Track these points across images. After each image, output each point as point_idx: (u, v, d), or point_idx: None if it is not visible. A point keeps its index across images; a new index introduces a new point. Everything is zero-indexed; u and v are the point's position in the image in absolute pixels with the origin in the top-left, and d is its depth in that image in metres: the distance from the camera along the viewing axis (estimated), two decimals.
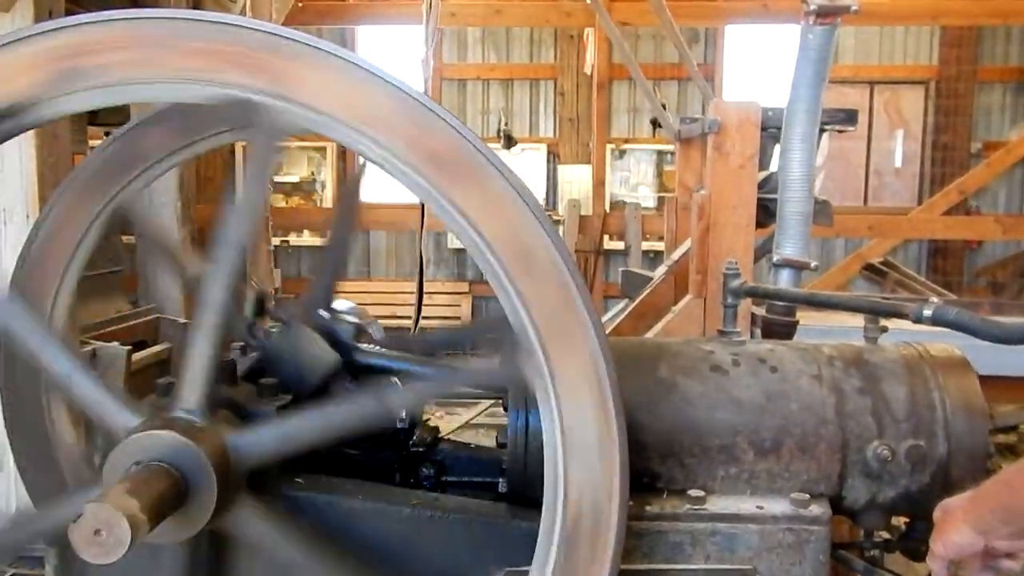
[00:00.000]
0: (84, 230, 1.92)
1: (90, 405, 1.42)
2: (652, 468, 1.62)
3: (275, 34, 1.30)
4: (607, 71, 9.52)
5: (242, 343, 1.77)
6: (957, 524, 1.11)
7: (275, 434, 1.41)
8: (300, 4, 6.52)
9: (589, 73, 9.62)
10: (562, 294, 1.31)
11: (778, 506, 1.57)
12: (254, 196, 1.45)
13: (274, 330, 1.77)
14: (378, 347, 1.84)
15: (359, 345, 1.78)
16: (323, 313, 1.80)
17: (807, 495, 1.59)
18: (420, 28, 3.78)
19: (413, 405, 1.65)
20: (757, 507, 1.57)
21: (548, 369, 1.32)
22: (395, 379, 1.73)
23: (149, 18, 1.32)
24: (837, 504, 1.65)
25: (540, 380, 1.33)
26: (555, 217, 8.69)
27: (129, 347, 2.93)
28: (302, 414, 1.47)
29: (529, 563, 1.41)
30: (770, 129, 3.02)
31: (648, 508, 1.58)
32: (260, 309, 1.79)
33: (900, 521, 1.78)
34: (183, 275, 1.93)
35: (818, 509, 1.57)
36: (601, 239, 8.56)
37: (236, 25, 1.30)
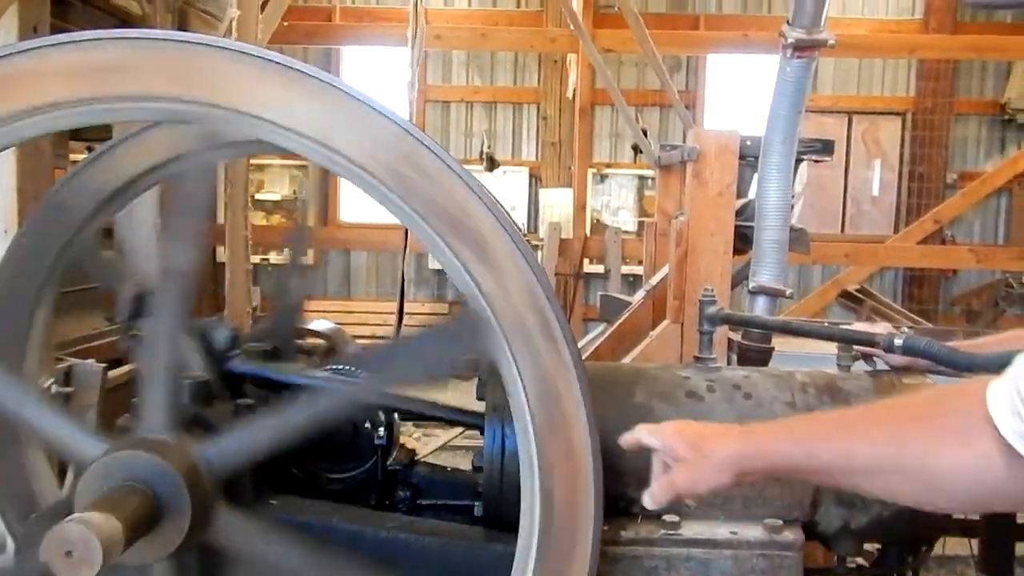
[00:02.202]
0: (52, 261, 1.90)
1: (55, 441, 1.42)
2: (628, 493, 1.63)
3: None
4: (589, 96, 9.61)
5: None
6: (720, 469, 1.08)
7: (240, 438, 1.39)
8: (286, 24, 6.54)
9: (572, 98, 9.71)
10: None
11: (752, 532, 1.59)
12: (194, 221, 1.43)
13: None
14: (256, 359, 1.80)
15: (232, 354, 1.75)
16: (203, 321, 1.77)
17: (780, 521, 1.60)
18: (405, 50, 3.82)
19: (372, 395, 1.62)
20: (731, 532, 1.58)
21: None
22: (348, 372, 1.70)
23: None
24: (811, 530, 1.66)
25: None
26: (535, 241, 8.73)
27: (105, 364, 2.91)
28: (261, 416, 1.46)
29: None
30: (748, 158, 3.06)
31: (623, 533, 1.58)
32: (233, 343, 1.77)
33: (873, 547, 1.80)
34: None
35: (791, 535, 1.58)
36: (581, 262, 8.60)
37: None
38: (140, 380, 1.42)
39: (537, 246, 8.15)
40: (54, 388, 2.71)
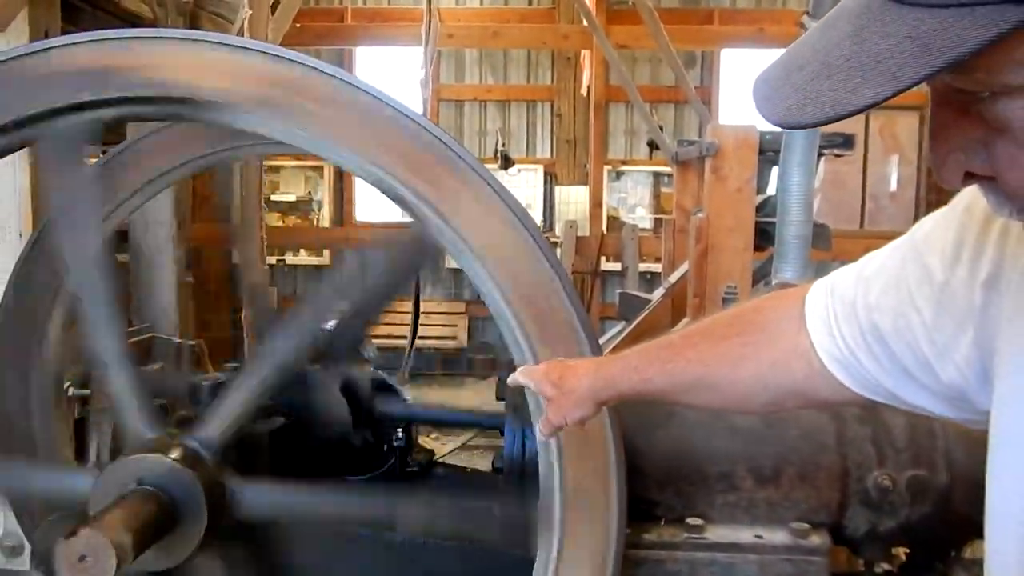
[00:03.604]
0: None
1: (116, 402, 1.39)
2: (650, 495, 1.60)
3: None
4: (604, 93, 9.55)
5: None
6: (580, 403, 1.13)
7: (221, 409, 1.35)
8: (299, 25, 6.54)
9: (586, 95, 9.66)
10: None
11: (777, 536, 1.55)
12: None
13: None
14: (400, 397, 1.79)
15: (379, 396, 1.74)
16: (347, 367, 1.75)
17: (807, 524, 1.56)
18: (417, 49, 3.77)
19: (326, 321, 1.59)
20: (756, 536, 1.55)
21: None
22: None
23: None
24: (837, 534, 1.62)
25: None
26: (552, 239, 8.69)
27: None
28: (233, 380, 1.42)
29: None
30: (768, 153, 3.02)
31: (645, 536, 1.55)
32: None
33: (900, 552, 1.76)
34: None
35: (817, 539, 1.54)
36: (598, 260, 8.55)
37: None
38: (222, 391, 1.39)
39: (555, 244, 8.10)
40: (72, 391, 2.70)
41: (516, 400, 1.54)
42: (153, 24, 3.41)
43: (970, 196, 0.83)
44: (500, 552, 1.57)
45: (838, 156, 3.42)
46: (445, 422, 1.92)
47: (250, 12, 2.85)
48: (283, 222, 10.38)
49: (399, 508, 1.44)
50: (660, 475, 1.59)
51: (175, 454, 1.29)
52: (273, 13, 4.14)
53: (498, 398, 1.68)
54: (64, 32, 2.66)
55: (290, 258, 10.09)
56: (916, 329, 0.86)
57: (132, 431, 1.34)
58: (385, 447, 1.75)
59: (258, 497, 1.35)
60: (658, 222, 8.85)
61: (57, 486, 1.40)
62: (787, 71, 0.62)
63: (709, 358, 1.05)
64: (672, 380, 1.07)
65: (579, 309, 1.33)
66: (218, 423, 1.35)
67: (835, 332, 0.94)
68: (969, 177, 0.66)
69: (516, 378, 1.22)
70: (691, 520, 1.56)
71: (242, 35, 3.42)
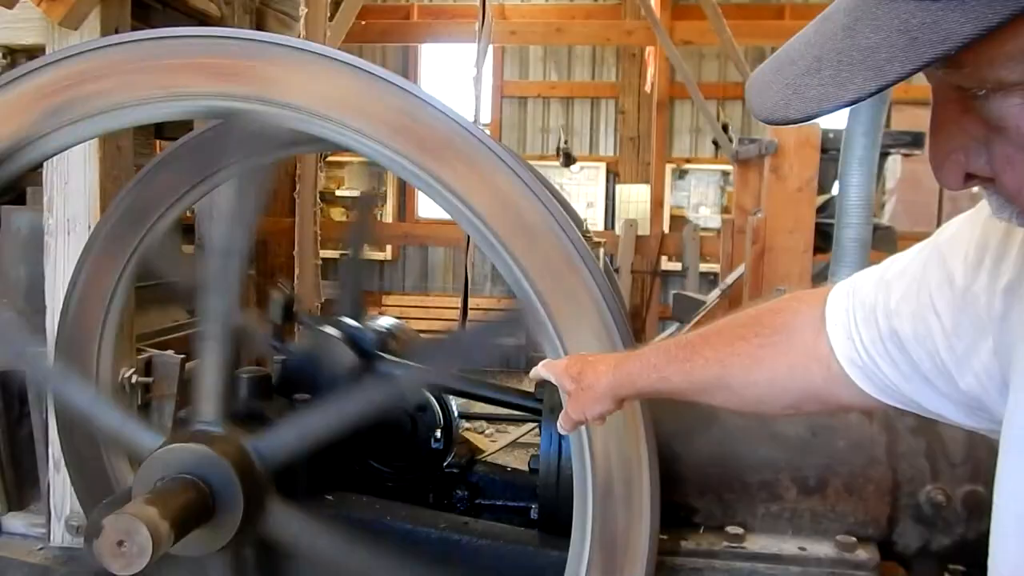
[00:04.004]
0: (114, 282, 1.96)
1: (116, 435, 1.44)
2: (689, 502, 1.57)
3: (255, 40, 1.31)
4: (667, 90, 9.42)
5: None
6: (600, 398, 1.13)
7: (292, 430, 1.38)
8: (363, 23, 6.63)
9: (650, 92, 9.55)
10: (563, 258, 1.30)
11: (822, 548, 1.50)
12: (247, 207, 1.43)
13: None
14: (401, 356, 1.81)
15: (380, 353, 1.76)
16: (349, 321, 1.79)
17: (854, 538, 1.51)
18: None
19: (421, 385, 1.60)
20: (799, 548, 1.50)
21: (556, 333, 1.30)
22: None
23: (132, 41, 1.34)
24: (887, 549, 1.56)
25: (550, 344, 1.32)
26: (606, 237, 8.63)
27: (183, 356, 2.99)
28: (315, 407, 1.45)
29: None
30: (831, 151, 2.93)
31: (683, 543, 1.52)
32: (288, 313, 1.80)
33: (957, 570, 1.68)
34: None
35: (865, 554, 1.49)
36: (658, 260, 8.44)
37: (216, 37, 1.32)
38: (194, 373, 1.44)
39: (598, 243, 8.03)
40: (134, 378, 2.80)
41: (552, 400, 1.53)
42: (220, 22, 3.48)
43: None
44: (536, 552, 1.56)
45: (906, 155, 3.30)
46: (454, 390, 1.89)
47: (306, 10, 2.89)
48: (347, 217, 10.55)
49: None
50: (700, 481, 1.56)
51: (231, 453, 1.32)
52: (336, 11, 4.19)
53: (536, 398, 1.67)
54: (135, 29, 2.74)
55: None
56: (935, 335, 0.84)
57: (199, 415, 1.38)
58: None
59: (289, 523, 1.37)
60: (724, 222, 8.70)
61: (127, 432, 1.43)
62: (780, 66, 0.61)
63: (726, 358, 1.03)
64: (689, 379, 1.07)
65: (602, 281, 1.31)
66: (284, 443, 1.37)
67: (854, 336, 0.92)
68: (969, 179, 0.64)
69: (538, 371, 1.23)
70: (731, 529, 1.52)
71: (300, 35, 3.46)
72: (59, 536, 2.33)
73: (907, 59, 0.52)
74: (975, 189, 0.67)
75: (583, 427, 1.33)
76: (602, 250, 1.90)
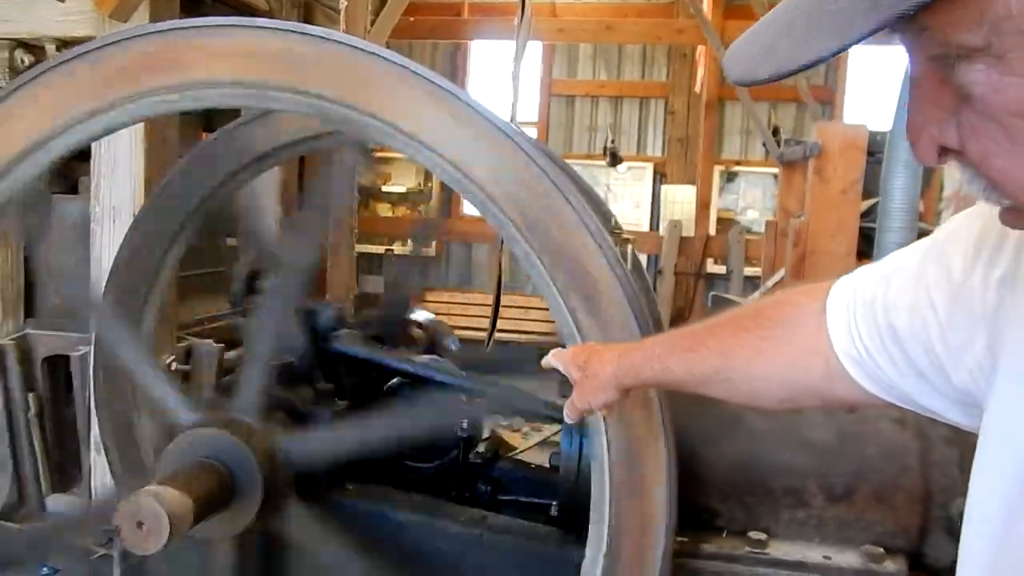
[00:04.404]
0: (176, 231, 2.01)
1: (154, 397, 1.47)
2: (711, 505, 1.54)
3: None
4: (716, 90, 9.29)
5: None
6: (604, 387, 1.14)
7: (324, 440, 1.42)
8: (411, 19, 6.67)
9: (700, 92, 9.43)
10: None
11: (848, 558, 1.46)
12: (318, 217, 1.47)
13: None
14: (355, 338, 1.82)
15: (335, 333, 1.77)
16: (310, 301, 1.81)
17: (882, 549, 1.47)
18: (534, 44, 3.77)
19: (469, 417, 1.63)
20: (824, 557, 1.47)
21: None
22: (450, 395, 1.71)
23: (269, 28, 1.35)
24: (916, 562, 1.51)
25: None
26: (654, 238, 8.54)
27: (222, 345, 3.05)
28: (348, 422, 1.48)
29: None
30: (878, 154, 2.86)
31: (704, 547, 1.50)
32: (251, 286, 1.82)
33: None
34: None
35: (893, 566, 1.45)
36: (703, 262, 8.35)
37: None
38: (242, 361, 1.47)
39: (627, 240, 7.95)
40: (173, 365, 2.86)
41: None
42: (268, 16, 3.54)
43: None
44: (555, 550, 1.55)
45: None
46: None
47: (346, 3, 2.92)
48: (393, 212, 10.64)
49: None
50: (723, 485, 1.53)
51: (260, 448, 1.35)
52: (383, 6, 4.21)
53: (561, 395, 1.65)
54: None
55: (398, 248, 10.33)
56: (931, 328, 0.83)
57: (236, 403, 1.42)
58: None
59: (304, 447, 1.40)
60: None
61: (166, 400, 1.48)
62: (757, 31, 0.63)
63: (728, 349, 1.03)
64: (690, 370, 1.07)
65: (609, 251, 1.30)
66: (317, 450, 1.43)
67: (853, 331, 0.91)
68: (944, 153, 0.65)
69: (548, 360, 1.24)
70: (754, 534, 1.49)
71: (340, 29, 3.50)
72: None
73: (869, 19, 0.52)
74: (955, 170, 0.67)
75: (602, 424, 1.32)
76: (631, 247, 1.88)
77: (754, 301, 1.05)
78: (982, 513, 0.77)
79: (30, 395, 2.43)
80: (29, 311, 2.62)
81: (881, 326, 0.88)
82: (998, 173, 0.62)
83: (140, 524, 1.16)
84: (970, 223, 0.83)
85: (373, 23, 3.87)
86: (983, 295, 0.79)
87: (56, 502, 2.58)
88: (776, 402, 1.06)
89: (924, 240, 0.90)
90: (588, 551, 1.35)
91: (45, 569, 2.39)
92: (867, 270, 0.95)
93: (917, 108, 0.64)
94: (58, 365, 2.55)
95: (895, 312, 0.87)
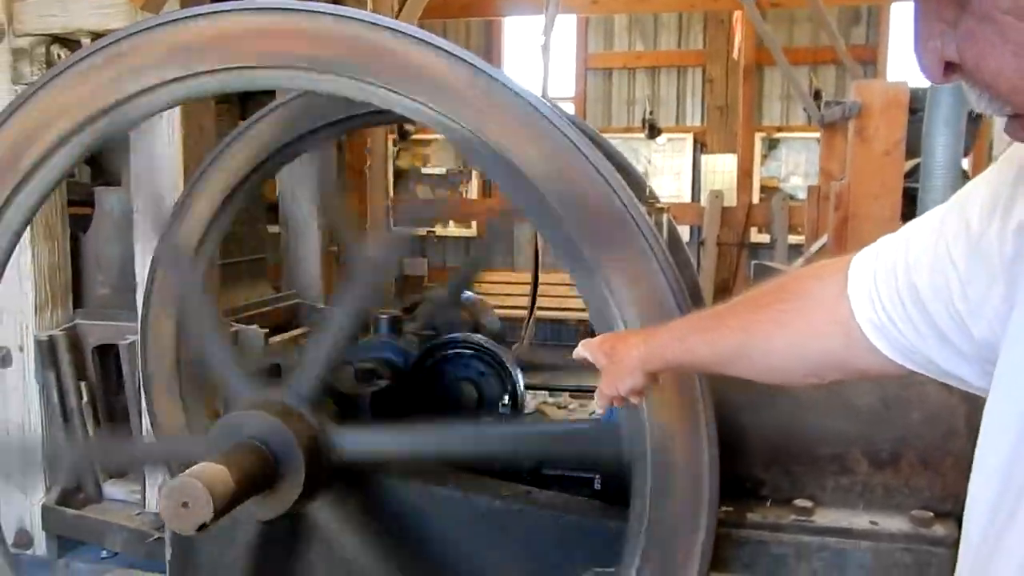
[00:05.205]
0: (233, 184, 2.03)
1: (214, 368, 1.50)
2: (755, 474, 1.52)
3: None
4: (754, 56, 9.10)
5: None
6: (631, 372, 1.13)
7: (374, 440, 1.44)
8: None
9: (738, 58, 9.25)
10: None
11: (896, 523, 1.44)
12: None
13: None
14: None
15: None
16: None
17: (930, 513, 1.44)
18: (569, 17, 3.71)
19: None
20: (871, 523, 1.44)
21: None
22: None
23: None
24: None
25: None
26: (695, 209, 8.42)
27: (266, 330, 3.09)
28: (400, 429, 1.49)
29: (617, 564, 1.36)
30: (922, 112, 2.77)
31: (749, 516, 1.48)
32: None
33: None
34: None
35: (943, 530, 1.42)
36: (746, 231, 8.22)
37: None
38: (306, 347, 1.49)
39: (661, 209, 7.85)
40: None
41: None
42: None
43: (1013, 147, 0.80)
44: (597, 523, 1.55)
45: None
46: None
47: None
48: (433, 194, 10.67)
49: (489, 441, 1.50)
50: (767, 454, 1.51)
51: (308, 438, 1.37)
52: None
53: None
54: None
55: (440, 230, 10.37)
56: (952, 284, 0.83)
57: (294, 389, 1.44)
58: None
59: (355, 441, 1.41)
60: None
61: (229, 377, 1.50)
62: None
63: (750, 325, 1.03)
64: (714, 349, 1.07)
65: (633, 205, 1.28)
66: (368, 446, 1.45)
67: (874, 296, 0.91)
68: (949, 70, 0.65)
69: (578, 352, 1.24)
70: (799, 502, 1.47)
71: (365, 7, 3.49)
72: (154, 502, 2.46)
73: None
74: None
75: (640, 400, 1.31)
76: (666, 216, 1.85)
77: (777, 277, 1.04)
78: (986, 457, 0.78)
79: (82, 384, 2.49)
80: (77, 302, 2.68)
81: (902, 286, 0.88)
82: (991, 76, 0.63)
83: (185, 504, 1.18)
84: (987, 177, 0.83)
85: (403, 3, 3.85)
86: (1000, 246, 0.78)
87: (113, 488, 2.65)
88: (800, 376, 1.06)
89: (944, 203, 0.90)
90: (631, 526, 1.35)
91: (104, 552, 2.46)
92: (889, 238, 0.96)
93: (921, 22, 0.65)
94: (107, 354, 2.62)
95: (916, 271, 0.87)
